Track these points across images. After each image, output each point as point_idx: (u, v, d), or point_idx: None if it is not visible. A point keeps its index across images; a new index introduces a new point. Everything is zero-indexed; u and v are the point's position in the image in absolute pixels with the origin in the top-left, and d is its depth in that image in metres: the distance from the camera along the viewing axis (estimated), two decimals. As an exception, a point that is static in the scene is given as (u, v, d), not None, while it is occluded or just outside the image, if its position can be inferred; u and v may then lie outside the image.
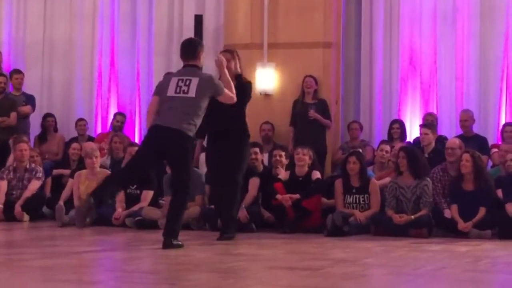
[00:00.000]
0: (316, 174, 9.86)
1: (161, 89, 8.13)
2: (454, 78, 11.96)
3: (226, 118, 8.61)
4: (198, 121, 7.99)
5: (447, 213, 9.51)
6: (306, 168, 9.87)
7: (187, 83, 7.96)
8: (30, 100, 12.59)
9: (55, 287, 5.49)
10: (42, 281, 5.85)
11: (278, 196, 9.64)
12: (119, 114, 12.80)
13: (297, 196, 9.61)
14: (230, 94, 8.21)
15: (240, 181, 8.86)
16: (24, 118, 12.41)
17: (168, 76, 8.43)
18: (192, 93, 7.93)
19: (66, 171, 11.43)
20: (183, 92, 7.94)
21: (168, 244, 7.74)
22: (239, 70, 8.90)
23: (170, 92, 7.99)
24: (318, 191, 9.81)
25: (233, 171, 8.73)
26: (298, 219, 9.61)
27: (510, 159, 9.90)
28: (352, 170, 9.78)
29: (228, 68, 8.65)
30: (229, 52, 9.03)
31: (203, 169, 10.46)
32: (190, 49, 8.23)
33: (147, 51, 13.06)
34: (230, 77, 8.53)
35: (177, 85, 7.98)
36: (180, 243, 7.83)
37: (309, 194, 9.66)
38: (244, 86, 8.83)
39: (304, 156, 9.88)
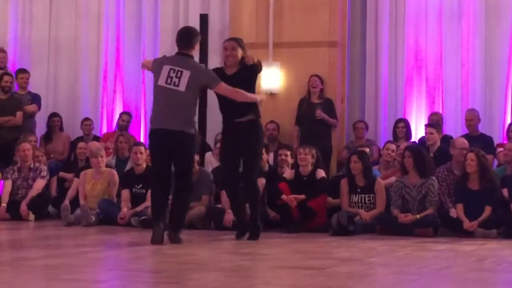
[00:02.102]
0: (321, 173, 9.84)
1: (155, 74, 8.06)
2: (459, 77, 11.94)
3: (238, 104, 8.39)
4: (195, 114, 8.05)
5: (453, 213, 9.50)
6: (310, 167, 9.85)
7: (178, 74, 7.90)
8: (36, 99, 12.58)
9: (59, 286, 5.49)
10: (47, 280, 5.85)
11: (284, 197, 9.63)
12: (125, 113, 12.80)
13: (302, 196, 9.59)
14: (229, 87, 8.09)
15: (256, 180, 8.80)
16: (30, 117, 12.39)
17: (160, 60, 8.26)
18: (182, 87, 7.87)
19: (69, 176, 11.42)
20: (174, 85, 7.89)
21: (174, 236, 7.88)
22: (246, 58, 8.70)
23: (161, 81, 7.95)
24: (323, 190, 9.79)
25: (250, 171, 8.66)
26: (303, 219, 9.61)
27: (516, 158, 9.90)
28: (354, 169, 9.77)
29: (234, 56, 8.62)
30: (235, 40, 8.86)
31: (208, 168, 10.46)
32: (187, 39, 8.15)
33: (153, 50, 13.04)
34: (235, 64, 8.50)
35: (168, 75, 7.91)
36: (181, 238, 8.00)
37: (314, 195, 9.64)
38: (251, 69, 8.65)
39: (307, 156, 9.84)
